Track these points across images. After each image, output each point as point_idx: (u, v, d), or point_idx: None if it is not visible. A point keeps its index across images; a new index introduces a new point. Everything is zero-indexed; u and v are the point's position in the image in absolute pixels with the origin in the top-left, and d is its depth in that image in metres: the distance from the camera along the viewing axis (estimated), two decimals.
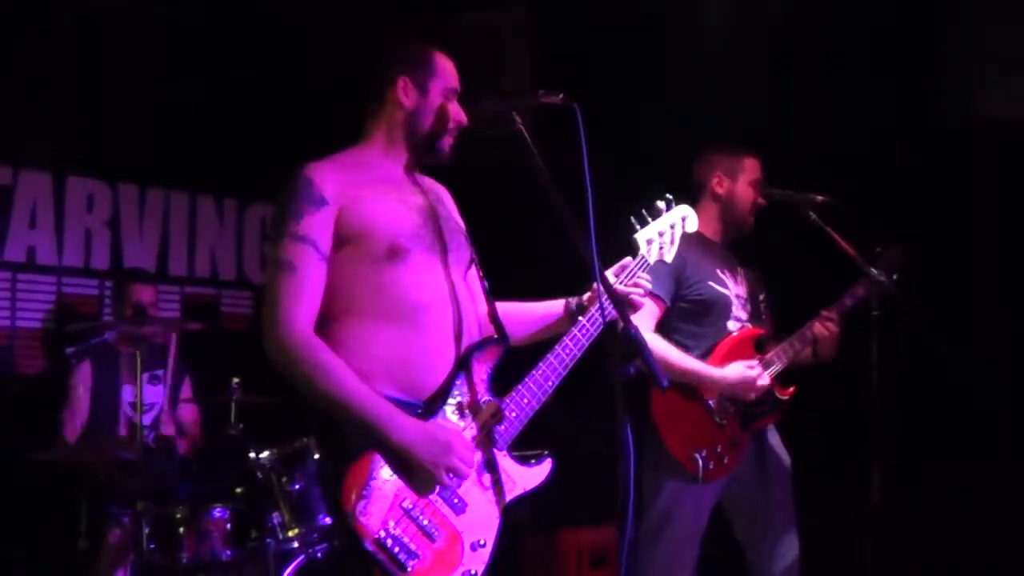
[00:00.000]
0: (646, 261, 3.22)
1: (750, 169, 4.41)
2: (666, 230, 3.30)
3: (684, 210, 3.38)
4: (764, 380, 4.14)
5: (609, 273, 3.15)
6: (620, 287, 3.11)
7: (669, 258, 3.32)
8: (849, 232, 4.26)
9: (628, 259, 3.21)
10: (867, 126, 5.30)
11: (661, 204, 3.31)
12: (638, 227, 3.24)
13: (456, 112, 3.06)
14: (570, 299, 3.18)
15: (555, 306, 3.20)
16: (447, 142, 3.06)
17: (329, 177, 2.88)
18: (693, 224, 3.41)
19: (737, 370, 4.11)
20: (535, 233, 5.26)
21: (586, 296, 3.14)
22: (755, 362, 4.17)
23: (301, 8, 6.13)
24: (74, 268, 6.09)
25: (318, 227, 2.82)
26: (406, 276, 2.87)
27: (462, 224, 3.13)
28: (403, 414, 2.75)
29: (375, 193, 2.92)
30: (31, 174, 5.93)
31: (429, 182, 3.15)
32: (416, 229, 2.93)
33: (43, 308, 5.98)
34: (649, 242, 3.25)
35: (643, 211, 3.28)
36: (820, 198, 4.29)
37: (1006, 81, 5.11)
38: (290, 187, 2.86)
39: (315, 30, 6.11)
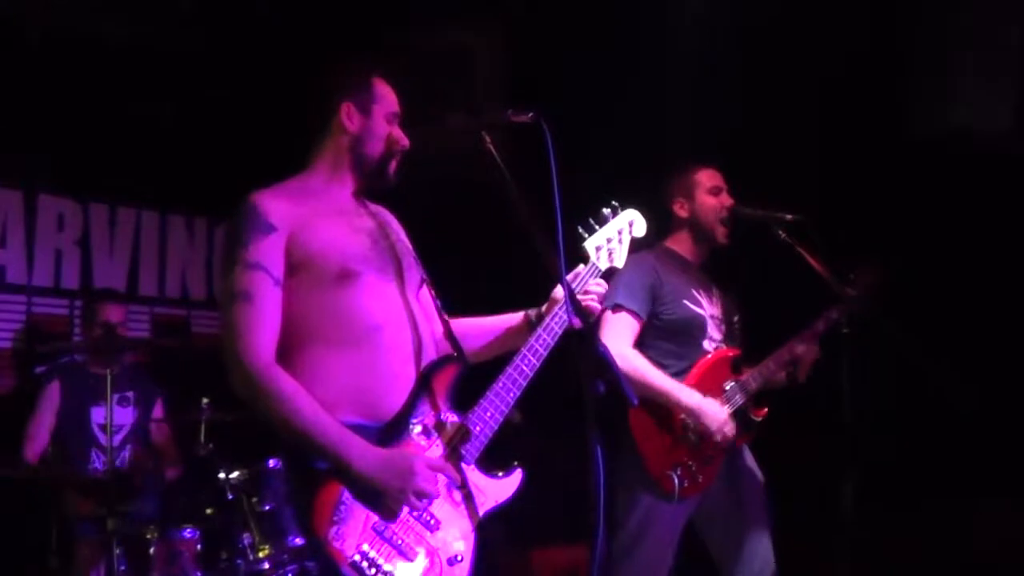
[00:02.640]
0: (597, 268, 3.26)
1: (705, 179, 4.40)
2: (614, 236, 3.34)
3: (631, 214, 3.41)
4: (730, 429, 4.11)
5: None
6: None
7: (620, 263, 3.35)
8: (822, 248, 4.25)
9: (580, 267, 3.24)
10: (838, 138, 5.33)
11: (607, 211, 3.35)
12: (586, 235, 3.28)
13: (399, 136, 3.09)
14: (530, 311, 3.21)
15: (514, 318, 3.24)
16: (392, 166, 3.09)
17: (275, 204, 2.89)
18: (641, 228, 3.44)
19: (714, 409, 4.09)
20: (491, 249, 5.25)
21: (544, 307, 3.17)
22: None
23: (273, 30, 6.13)
24: (44, 288, 6.04)
25: (269, 253, 2.82)
26: (359, 299, 2.88)
27: (410, 246, 3.16)
28: (363, 442, 2.75)
29: (323, 218, 2.93)
30: (1, 192, 5.88)
31: (375, 207, 3.17)
32: (365, 252, 2.95)
33: (13, 328, 5.92)
34: (598, 249, 3.29)
35: (590, 219, 3.31)
36: (790, 216, 4.26)
37: (977, 92, 5.14)
38: (237, 217, 2.87)
39: (286, 51, 6.10)
